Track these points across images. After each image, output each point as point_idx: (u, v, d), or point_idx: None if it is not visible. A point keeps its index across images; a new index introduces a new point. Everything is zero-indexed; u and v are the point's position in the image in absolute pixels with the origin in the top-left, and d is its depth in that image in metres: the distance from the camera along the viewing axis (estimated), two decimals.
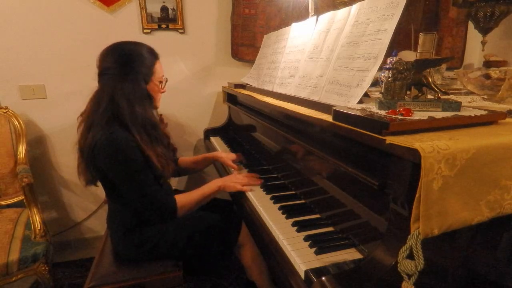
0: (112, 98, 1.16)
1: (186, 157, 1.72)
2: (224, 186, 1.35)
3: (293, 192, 1.28)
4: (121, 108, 1.15)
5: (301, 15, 2.18)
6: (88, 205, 2.27)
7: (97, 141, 1.12)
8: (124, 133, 1.14)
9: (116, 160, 1.12)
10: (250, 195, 1.28)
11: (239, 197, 1.35)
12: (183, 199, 1.26)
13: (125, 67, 1.18)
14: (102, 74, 1.20)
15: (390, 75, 0.84)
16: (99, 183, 1.28)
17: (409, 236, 0.62)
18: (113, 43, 1.23)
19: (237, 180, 1.36)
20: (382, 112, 0.77)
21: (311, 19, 1.43)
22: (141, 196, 1.17)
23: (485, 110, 0.81)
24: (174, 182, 2.40)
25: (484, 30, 1.67)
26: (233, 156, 1.62)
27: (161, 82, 1.30)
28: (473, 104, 1.10)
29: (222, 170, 1.69)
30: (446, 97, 0.90)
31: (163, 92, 1.35)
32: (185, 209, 1.27)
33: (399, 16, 0.92)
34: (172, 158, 1.41)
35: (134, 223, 1.27)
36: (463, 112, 0.78)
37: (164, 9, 2.10)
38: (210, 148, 2.11)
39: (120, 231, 1.28)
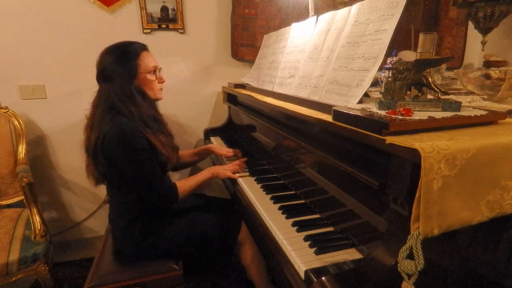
0: (108, 100, 1.22)
1: (184, 151, 1.76)
2: (216, 173, 1.46)
3: (293, 192, 1.28)
4: (118, 107, 1.21)
5: (301, 15, 2.18)
6: (88, 205, 2.27)
7: (106, 132, 1.17)
8: (131, 124, 1.19)
9: (124, 148, 1.17)
10: (250, 195, 1.28)
11: (239, 197, 1.35)
12: (182, 186, 1.34)
13: (112, 68, 1.23)
14: (98, 78, 1.27)
15: (390, 75, 0.84)
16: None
17: (409, 236, 0.62)
18: (105, 48, 1.27)
19: (228, 168, 1.49)
20: (382, 112, 0.77)
21: (311, 19, 1.43)
22: (146, 183, 1.23)
23: (485, 110, 0.81)
24: (175, 178, 2.40)
25: (484, 30, 1.67)
26: (228, 150, 1.70)
27: (151, 72, 1.29)
28: (473, 104, 1.10)
29: (218, 164, 1.72)
30: (446, 97, 0.90)
31: (162, 82, 1.35)
32: (184, 195, 1.34)
33: (399, 16, 0.92)
34: (175, 148, 1.46)
35: (136, 216, 1.28)
36: (463, 112, 0.78)
37: (164, 9, 2.10)
38: None
39: (121, 225, 1.29)
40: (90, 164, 1.27)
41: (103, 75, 1.24)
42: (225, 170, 1.47)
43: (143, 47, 1.31)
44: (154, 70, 1.31)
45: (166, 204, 1.34)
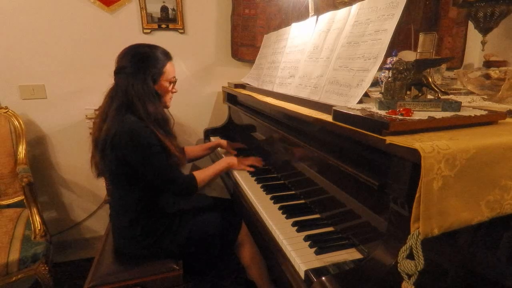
0: (126, 95, 1.24)
1: (190, 146, 1.82)
2: (232, 164, 1.52)
3: (293, 192, 1.28)
4: (135, 105, 1.23)
5: (301, 15, 2.18)
6: (88, 205, 2.27)
7: (116, 130, 1.19)
8: (140, 122, 1.21)
9: (137, 145, 1.19)
10: (250, 195, 1.28)
11: (239, 197, 1.35)
12: (201, 175, 1.37)
13: (137, 67, 1.26)
14: (117, 72, 1.28)
15: (390, 75, 0.84)
16: (102, 181, 1.31)
17: (409, 236, 0.62)
18: (131, 45, 1.32)
19: (243, 161, 1.55)
20: (382, 112, 0.77)
21: (311, 19, 1.43)
22: (163, 175, 1.25)
23: (485, 110, 0.81)
24: None
25: (484, 30, 1.67)
26: (233, 145, 1.77)
27: (170, 82, 1.36)
28: (473, 104, 1.10)
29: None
30: (446, 97, 0.90)
31: (174, 92, 1.41)
32: (202, 184, 1.37)
33: (399, 16, 0.92)
34: (182, 152, 1.51)
35: (137, 216, 1.28)
36: (463, 112, 0.78)
37: (164, 9, 2.10)
38: None
39: (123, 224, 1.30)
40: (95, 155, 1.29)
41: (126, 70, 1.25)
42: (241, 163, 1.53)
43: (170, 57, 1.36)
44: (174, 81, 1.38)
45: (186, 195, 1.36)
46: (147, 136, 1.20)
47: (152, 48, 1.32)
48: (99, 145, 1.24)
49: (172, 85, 1.38)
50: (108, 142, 1.20)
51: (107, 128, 1.21)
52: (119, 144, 1.19)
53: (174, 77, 1.38)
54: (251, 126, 1.81)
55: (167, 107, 1.39)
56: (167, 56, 1.35)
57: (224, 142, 1.81)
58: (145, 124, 1.21)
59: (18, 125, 1.89)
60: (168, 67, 1.33)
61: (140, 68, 1.25)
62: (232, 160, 1.52)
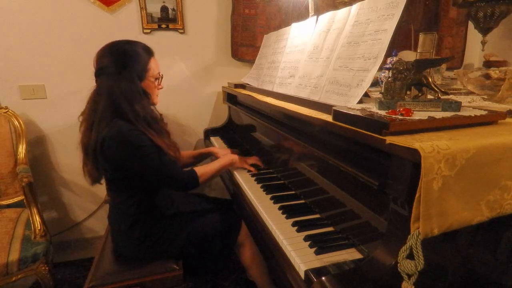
0: (110, 97, 1.18)
1: (183, 152, 1.75)
2: (235, 161, 1.52)
3: (293, 192, 1.28)
4: (122, 107, 1.18)
5: (301, 15, 2.18)
6: (88, 205, 2.27)
7: (105, 136, 1.15)
8: (130, 126, 1.17)
9: (128, 149, 1.16)
10: (250, 195, 1.28)
11: (239, 197, 1.35)
12: (201, 169, 1.37)
13: (120, 66, 1.19)
14: (98, 73, 1.23)
15: (390, 75, 0.84)
16: (102, 181, 1.31)
17: (409, 236, 0.62)
18: (109, 43, 1.25)
19: (245, 159, 1.56)
20: (382, 112, 0.77)
21: (311, 19, 1.43)
22: (162, 173, 1.23)
23: (485, 110, 0.81)
24: None
25: (484, 30, 1.67)
26: (228, 151, 1.70)
27: (156, 79, 1.32)
28: (473, 104, 1.10)
29: None
30: (446, 97, 0.90)
31: (160, 88, 1.37)
32: (205, 178, 1.37)
33: (399, 16, 0.92)
34: (178, 150, 1.45)
35: (136, 219, 1.28)
36: (463, 112, 0.78)
37: (164, 9, 2.10)
38: None
39: (122, 228, 1.29)
40: (87, 163, 1.25)
41: (108, 71, 1.19)
42: (243, 161, 1.54)
43: (152, 53, 1.32)
44: (160, 77, 1.34)
45: (188, 189, 1.34)
46: (137, 138, 1.16)
47: (132, 44, 1.25)
48: (90, 152, 1.21)
49: (157, 81, 1.33)
50: (98, 150, 1.17)
51: (95, 135, 1.17)
52: (110, 151, 1.16)
53: (159, 73, 1.33)
54: (251, 126, 1.81)
55: (154, 104, 1.35)
56: (149, 52, 1.29)
57: (216, 150, 1.75)
58: (134, 126, 1.17)
59: (18, 125, 1.89)
60: (152, 63, 1.28)
61: (123, 66, 1.19)
62: (234, 157, 1.52)
